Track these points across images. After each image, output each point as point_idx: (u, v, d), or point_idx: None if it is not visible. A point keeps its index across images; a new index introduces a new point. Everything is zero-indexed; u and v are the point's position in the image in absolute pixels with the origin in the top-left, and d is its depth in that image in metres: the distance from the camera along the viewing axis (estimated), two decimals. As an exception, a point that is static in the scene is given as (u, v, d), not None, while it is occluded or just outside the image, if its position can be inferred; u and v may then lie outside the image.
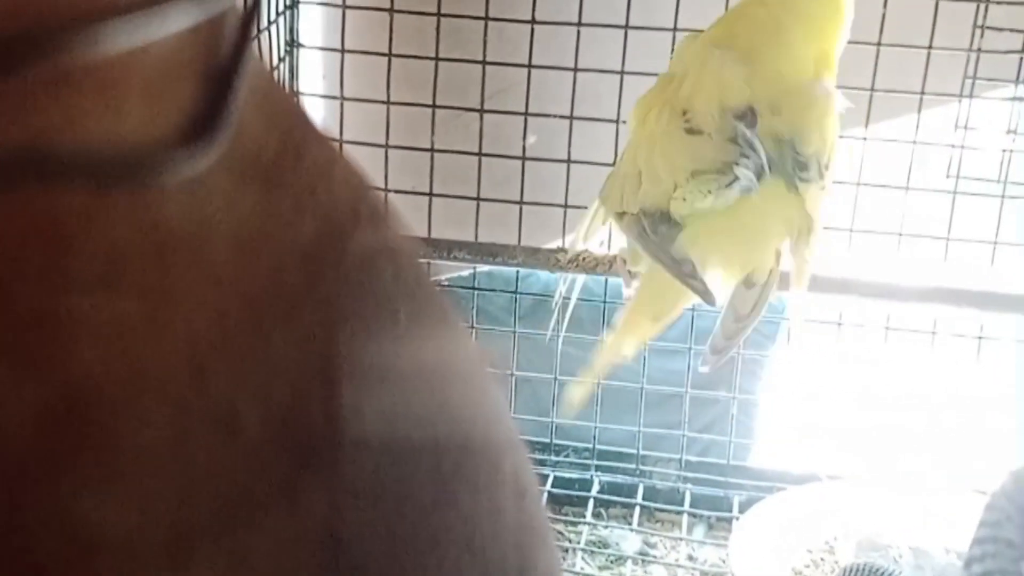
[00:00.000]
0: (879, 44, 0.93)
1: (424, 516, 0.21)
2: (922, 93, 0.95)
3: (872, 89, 0.95)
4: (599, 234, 0.89)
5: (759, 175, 0.76)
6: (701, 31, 0.83)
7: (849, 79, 0.92)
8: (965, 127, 0.95)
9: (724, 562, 0.97)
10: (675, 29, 0.94)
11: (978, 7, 0.93)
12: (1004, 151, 0.96)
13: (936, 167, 0.97)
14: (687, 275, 0.76)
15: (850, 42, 0.85)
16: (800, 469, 1.06)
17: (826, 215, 0.81)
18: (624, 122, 0.96)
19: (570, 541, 1.00)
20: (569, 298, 0.91)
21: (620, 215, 0.81)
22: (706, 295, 0.77)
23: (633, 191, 0.80)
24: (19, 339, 0.16)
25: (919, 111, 0.95)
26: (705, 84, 0.79)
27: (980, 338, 1.00)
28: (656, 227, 0.78)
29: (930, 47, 0.93)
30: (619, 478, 1.08)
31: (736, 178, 0.76)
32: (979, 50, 0.93)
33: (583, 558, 0.99)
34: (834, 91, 0.80)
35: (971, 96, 0.95)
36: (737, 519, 0.98)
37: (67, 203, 0.17)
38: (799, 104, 0.78)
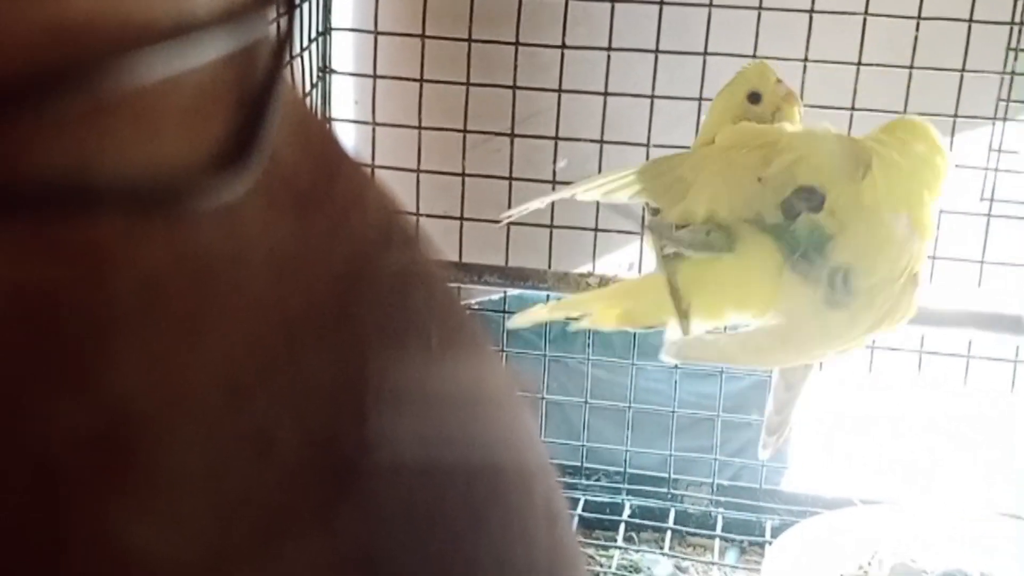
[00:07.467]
0: (911, 67, 0.93)
1: (457, 541, 0.21)
2: (955, 116, 0.94)
3: (905, 112, 0.94)
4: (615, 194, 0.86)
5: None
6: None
7: (882, 103, 0.92)
8: (999, 150, 0.95)
9: (757, 588, 0.96)
10: (705, 53, 0.94)
11: (1011, 29, 0.92)
12: (1038, 174, 0.95)
13: (970, 190, 0.97)
14: (677, 294, 0.76)
15: (882, 65, 0.84)
16: (833, 493, 1.05)
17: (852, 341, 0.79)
18: (655, 146, 0.96)
19: (601, 566, 1.00)
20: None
21: (654, 211, 0.81)
22: (682, 320, 0.76)
23: (675, 198, 0.79)
24: (60, 363, 0.16)
25: (952, 134, 0.95)
26: (796, 145, 0.78)
27: (1016, 362, 0.99)
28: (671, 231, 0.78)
29: (963, 70, 0.93)
30: (651, 502, 1.07)
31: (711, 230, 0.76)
32: (1012, 72, 0.93)
33: (615, 583, 0.98)
34: (921, 248, 0.78)
35: (1005, 119, 0.94)
36: (770, 544, 0.98)
37: (105, 230, 0.17)
38: (869, 226, 0.77)
